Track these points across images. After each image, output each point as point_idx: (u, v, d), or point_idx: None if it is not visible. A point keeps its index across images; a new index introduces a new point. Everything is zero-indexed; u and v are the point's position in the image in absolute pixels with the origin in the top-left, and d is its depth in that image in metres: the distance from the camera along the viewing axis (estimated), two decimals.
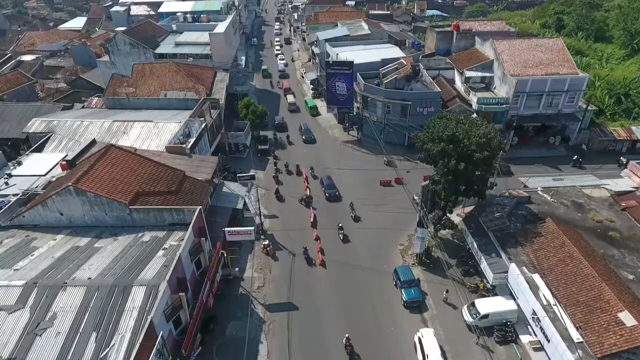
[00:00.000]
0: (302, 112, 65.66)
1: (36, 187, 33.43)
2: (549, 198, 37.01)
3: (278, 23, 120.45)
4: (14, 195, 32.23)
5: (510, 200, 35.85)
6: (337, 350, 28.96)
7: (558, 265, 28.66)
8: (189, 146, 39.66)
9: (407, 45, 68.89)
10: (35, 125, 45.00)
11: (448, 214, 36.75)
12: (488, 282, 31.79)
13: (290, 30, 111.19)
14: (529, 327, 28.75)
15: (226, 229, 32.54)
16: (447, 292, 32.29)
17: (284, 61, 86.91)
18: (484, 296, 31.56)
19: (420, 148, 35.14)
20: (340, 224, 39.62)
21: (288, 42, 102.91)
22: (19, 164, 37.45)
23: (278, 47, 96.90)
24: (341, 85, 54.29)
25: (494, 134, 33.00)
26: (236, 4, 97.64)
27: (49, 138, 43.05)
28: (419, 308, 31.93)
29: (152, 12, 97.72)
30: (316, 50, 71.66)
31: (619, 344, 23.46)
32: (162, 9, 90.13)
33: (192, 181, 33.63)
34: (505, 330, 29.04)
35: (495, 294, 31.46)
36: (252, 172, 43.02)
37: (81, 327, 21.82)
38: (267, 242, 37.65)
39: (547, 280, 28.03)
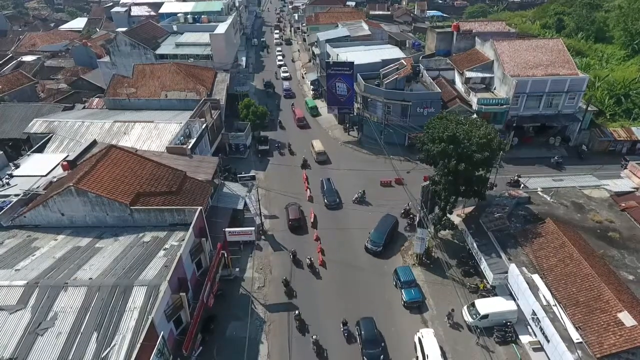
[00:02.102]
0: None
1: (37, 187, 33.51)
2: (548, 198, 37.05)
3: (277, 31, 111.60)
4: (16, 195, 32.33)
5: (510, 201, 35.91)
6: (336, 349, 29.04)
7: (558, 266, 28.70)
8: (189, 147, 39.77)
9: (407, 45, 69.09)
10: (37, 125, 45.13)
11: (448, 215, 36.78)
12: (488, 283, 31.85)
13: (290, 30, 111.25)
14: (528, 327, 28.79)
15: (227, 229, 32.63)
16: (452, 311, 30.72)
17: (287, 74, 78.52)
18: (484, 296, 31.60)
19: (421, 149, 35.20)
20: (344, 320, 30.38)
21: (288, 42, 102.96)
22: (17, 166, 37.52)
23: (280, 58, 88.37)
24: (341, 86, 54.34)
25: (494, 134, 33.05)
26: (236, 4, 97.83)
27: (50, 138, 43.18)
28: (419, 308, 31.99)
29: (152, 13, 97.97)
30: (316, 50, 71.82)
31: (619, 344, 23.50)
32: (162, 10, 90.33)
33: (192, 181, 33.72)
34: (505, 330, 29.07)
35: (495, 295, 31.50)
36: (252, 173, 43.08)
37: (82, 327, 21.93)
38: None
39: (547, 281, 28.09)
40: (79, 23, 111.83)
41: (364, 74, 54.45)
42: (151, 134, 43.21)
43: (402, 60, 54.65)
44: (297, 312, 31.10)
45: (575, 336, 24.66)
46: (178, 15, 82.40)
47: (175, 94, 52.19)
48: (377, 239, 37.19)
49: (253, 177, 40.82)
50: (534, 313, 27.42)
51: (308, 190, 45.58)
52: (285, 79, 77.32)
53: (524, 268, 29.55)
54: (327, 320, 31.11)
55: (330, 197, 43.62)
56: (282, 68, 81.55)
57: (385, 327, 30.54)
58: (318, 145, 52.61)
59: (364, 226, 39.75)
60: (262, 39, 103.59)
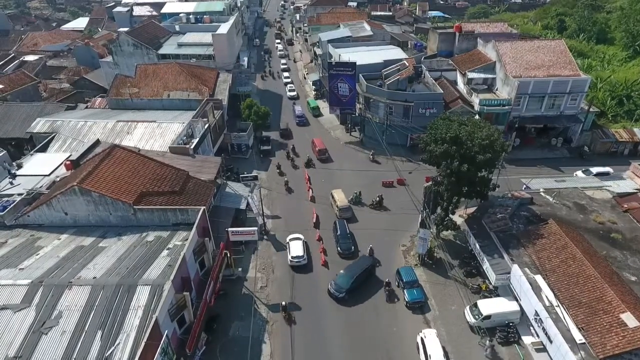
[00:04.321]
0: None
1: (41, 186, 33.63)
2: (551, 199, 37.06)
3: (279, 40, 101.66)
4: (19, 195, 32.40)
5: (513, 202, 35.92)
6: (338, 349, 29.12)
7: (560, 267, 28.73)
8: (192, 147, 39.85)
9: (409, 46, 69.20)
10: (39, 125, 45.24)
11: (450, 215, 36.83)
12: (490, 283, 31.87)
13: (292, 30, 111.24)
14: (531, 328, 28.81)
15: (229, 229, 32.67)
16: (490, 341, 28.52)
17: (294, 92, 70.49)
18: (486, 297, 31.64)
19: (423, 149, 35.24)
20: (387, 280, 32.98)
21: (290, 42, 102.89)
22: (20, 166, 37.63)
23: (286, 75, 78.40)
24: (343, 86, 54.40)
25: (497, 135, 33.11)
26: (238, 5, 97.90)
27: (52, 138, 43.28)
28: (421, 309, 32.03)
29: (154, 13, 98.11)
30: (318, 51, 71.88)
31: (621, 345, 23.50)
32: (164, 10, 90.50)
33: (195, 181, 33.81)
34: (507, 331, 29.11)
35: (498, 295, 31.53)
36: (254, 173, 43.15)
37: (86, 326, 21.99)
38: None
39: (550, 282, 28.09)
40: (80, 23, 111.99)
41: (366, 75, 54.52)
42: (154, 134, 43.30)
43: (405, 61, 54.69)
44: (283, 303, 31.70)
45: (578, 337, 24.67)
46: (180, 15, 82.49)
47: (178, 94, 52.28)
48: (342, 283, 32.50)
49: (255, 177, 40.87)
50: (536, 314, 27.44)
51: (310, 190, 45.60)
52: (292, 98, 69.44)
53: (526, 269, 29.57)
54: (327, 321, 31.20)
55: (345, 244, 37.26)
56: (288, 86, 73.28)
57: (387, 327, 30.60)
58: (340, 197, 42.08)
59: (364, 226, 39.91)
60: (264, 45, 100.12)
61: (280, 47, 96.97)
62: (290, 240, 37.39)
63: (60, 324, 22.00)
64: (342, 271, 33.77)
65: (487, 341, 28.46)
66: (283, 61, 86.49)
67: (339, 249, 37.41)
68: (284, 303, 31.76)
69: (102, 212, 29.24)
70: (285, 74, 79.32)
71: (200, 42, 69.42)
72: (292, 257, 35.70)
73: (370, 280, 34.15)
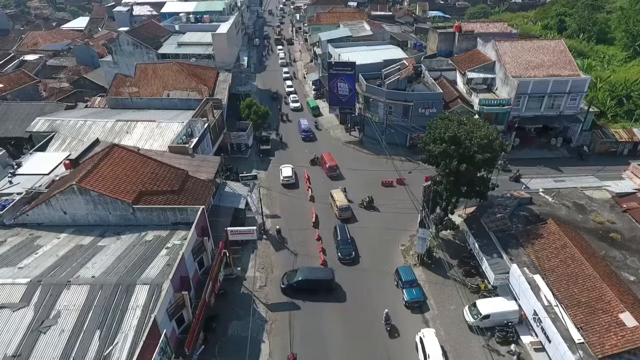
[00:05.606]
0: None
1: (40, 186, 33.63)
2: (550, 199, 37.07)
3: (280, 47, 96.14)
4: (18, 194, 32.41)
5: (512, 201, 35.93)
6: (337, 348, 29.12)
7: (559, 266, 28.73)
8: (191, 146, 39.83)
9: (409, 46, 69.14)
10: (39, 124, 45.23)
11: (449, 215, 36.82)
12: (489, 283, 31.87)
13: (292, 30, 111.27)
14: (530, 327, 28.81)
15: (229, 228, 32.67)
16: (517, 345, 28.26)
17: (297, 104, 65.70)
18: (485, 297, 31.63)
19: (422, 149, 35.24)
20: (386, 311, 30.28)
21: (290, 42, 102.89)
22: (19, 165, 37.65)
23: (289, 84, 72.88)
24: (343, 86, 54.40)
25: (496, 135, 33.11)
26: (238, 4, 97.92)
27: (52, 137, 43.27)
28: (420, 308, 32.01)
29: (154, 13, 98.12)
30: (318, 51, 71.84)
31: (620, 344, 23.55)
32: (164, 10, 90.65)
33: (194, 181, 33.79)
34: (506, 330, 29.07)
35: (497, 295, 31.52)
36: (254, 172, 43.19)
37: (85, 325, 22.00)
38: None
39: (548, 281, 28.10)
40: (80, 22, 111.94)
41: (365, 74, 54.51)
42: (153, 133, 43.29)
43: (404, 61, 54.67)
44: (278, 227, 38.09)
45: (576, 336, 24.69)
46: (180, 14, 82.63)
47: (177, 94, 52.27)
48: (289, 277, 33.36)
49: (255, 177, 40.89)
50: (535, 313, 27.47)
51: (310, 190, 45.58)
52: (296, 110, 65.13)
53: (525, 268, 29.58)
54: (326, 320, 31.20)
55: (345, 249, 36.08)
56: (291, 96, 68.30)
57: (385, 326, 30.59)
58: (340, 197, 41.69)
59: (363, 226, 39.88)
60: (264, 33, 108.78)
61: (282, 54, 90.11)
62: (282, 167, 47.80)
63: (58, 323, 22.01)
64: (299, 271, 33.41)
65: (514, 346, 27.98)
66: (285, 69, 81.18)
67: (339, 254, 36.31)
68: (278, 227, 38.67)
69: (101, 211, 29.24)
70: (288, 82, 74.11)
71: (200, 42, 69.51)
72: (283, 177, 46.45)
73: (325, 297, 32.55)
